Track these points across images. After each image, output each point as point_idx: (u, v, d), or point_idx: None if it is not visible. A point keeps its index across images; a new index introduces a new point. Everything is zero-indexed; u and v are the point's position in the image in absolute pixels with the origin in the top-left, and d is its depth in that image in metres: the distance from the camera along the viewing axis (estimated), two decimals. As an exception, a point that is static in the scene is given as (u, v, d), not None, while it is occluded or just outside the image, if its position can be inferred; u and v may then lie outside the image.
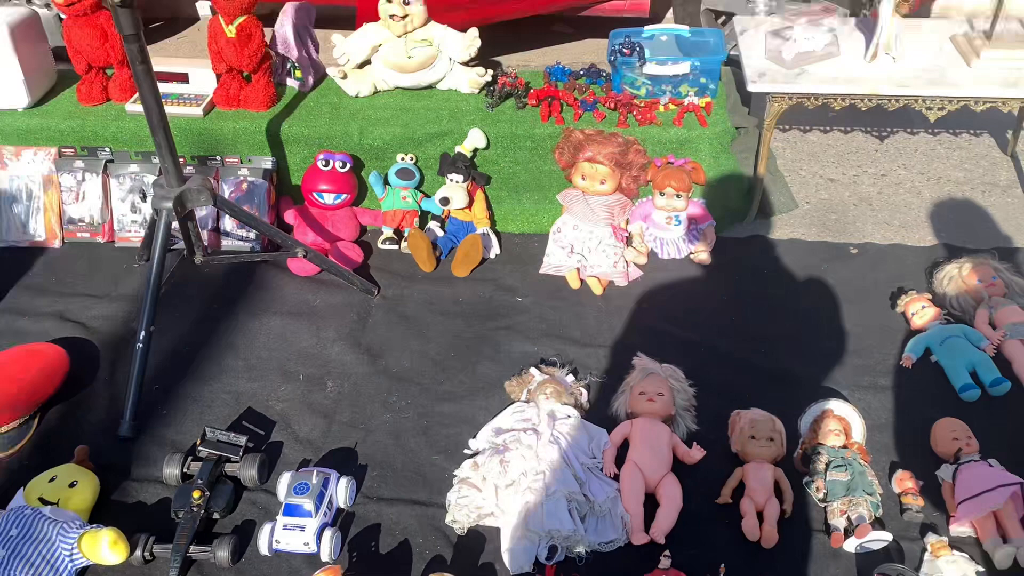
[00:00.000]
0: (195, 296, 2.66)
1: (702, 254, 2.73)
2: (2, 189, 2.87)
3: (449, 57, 2.91)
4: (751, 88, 2.63)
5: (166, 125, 2.18)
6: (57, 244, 2.89)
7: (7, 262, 2.82)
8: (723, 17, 3.85)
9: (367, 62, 2.96)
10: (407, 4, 2.76)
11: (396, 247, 2.85)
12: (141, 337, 2.23)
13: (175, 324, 2.55)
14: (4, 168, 2.88)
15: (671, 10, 4.38)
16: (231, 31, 2.75)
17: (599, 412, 2.26)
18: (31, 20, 2.91)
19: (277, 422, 2.27)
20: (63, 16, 2.84)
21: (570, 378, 2.30)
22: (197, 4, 4.68)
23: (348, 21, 4.09)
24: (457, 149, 2.81)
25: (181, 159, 2.80)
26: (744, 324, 2.53)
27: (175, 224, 2.30)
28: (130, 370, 2.23)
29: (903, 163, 3.27)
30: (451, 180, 2.79)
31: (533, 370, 2.30)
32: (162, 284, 2.31)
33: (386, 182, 2.88)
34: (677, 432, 2.14)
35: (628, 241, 2.77)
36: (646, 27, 3.01)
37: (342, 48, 2.89)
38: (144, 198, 2.83)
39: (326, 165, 2.78)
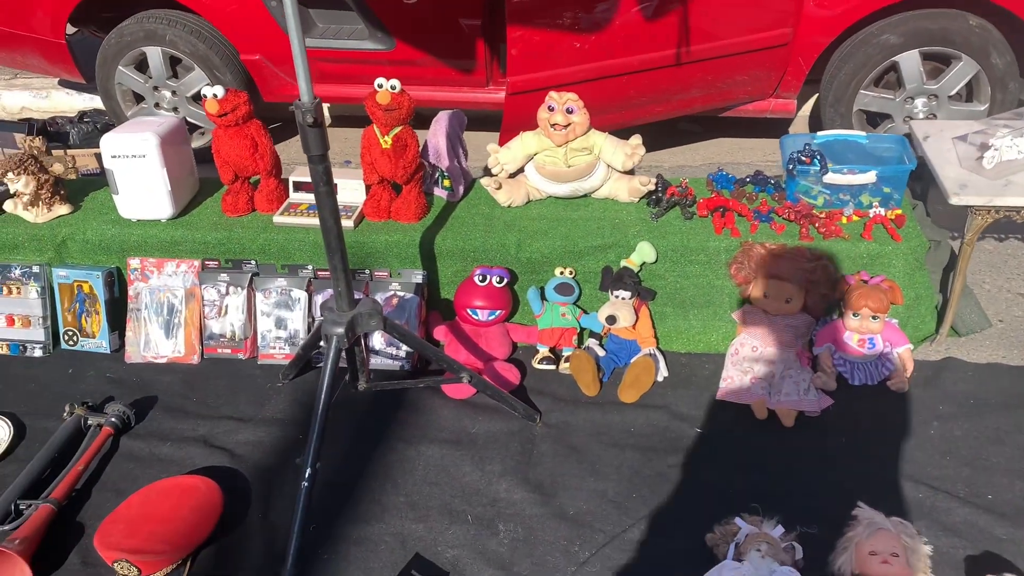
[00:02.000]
0: (344, 421, 2.47)
1: (901, 382, 2.47)
2: (143, 303, 2.76)
3: (608, 165, 2.75)
4: (954, 202, 2.40)
5: (343, 247, 2.04)
6: (195, 360, 2.75)
7: (146, 381, 2.69)
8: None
9: (519, 170, 2.82)
10: (570, 113, 2.62)
11: (553, 367, 2.65)
12: (307, 475, 2.03)
13: (327, 453, 2.34)
14: (145, 281, 2.78)
15: (804, 109, 4.21)
16: (387, 142, 2.63)
17: (814, 572, 1.97)
18: (178, 128, 2.84)
19: (450, 573, 2.04)
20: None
21: (779, 530, 2.03)
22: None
23: (482, 123, 4.04)
24: (623, 263, 2.62)
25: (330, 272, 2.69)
26: (963, 463, 2.24)
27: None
28: (293, 513, 2.02)
29: (1097, 275, 2.98)
30: (616, 296, 2.59)
31: (738, 521, 2.03)
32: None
33: (542, 297, 2.69)
34: (919, 601, 1.85)
35: (813, 365, 2.53)
36: (818, 132, 2.82)
37: (497, 158, 2.76)
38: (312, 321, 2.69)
39: (483, 280, 2.61)
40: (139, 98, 4.07)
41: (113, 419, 2.46)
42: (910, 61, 3.38)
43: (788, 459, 2.30)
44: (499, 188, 2.76)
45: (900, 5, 3.31)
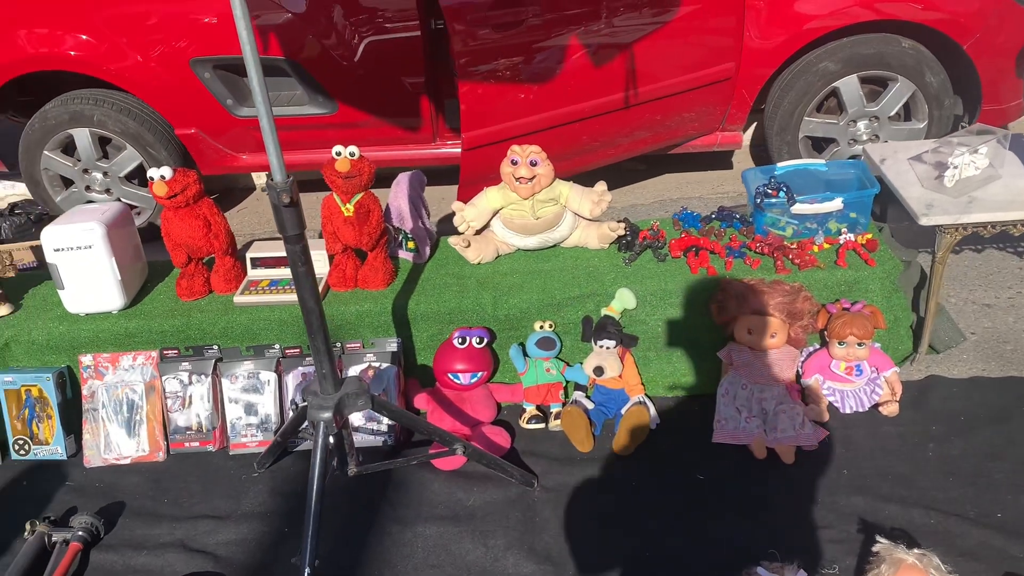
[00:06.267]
0: (331, 508, 2.32)
1: (892, 406, 2.46)
2: (100, 401, 2.59)
3: (576, 213, 2.71)
4: (923, 222, 2.43)
5: (326, 328, 1.93)
6: (161, 457, 2.58)
7: (110, 485, 2.50)
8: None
9: (485, 226, 2.76)
10: (534, 165, 2.58)
11: (542, 425, 2.57)
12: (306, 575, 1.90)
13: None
14: (100, 379, 2.61)
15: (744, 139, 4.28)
16: (349, 209, 2.54)
17: (843, 613, 1.93)
18: (123, 214, 2.70)
19: (469, 662, 1.92)
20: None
21: (802, 574, 1.97)
22: (252, 175, 4.53)
23: (435, 177, 3.97)
24: (603, 311, 2.57)
25: (297, 349, 2.58)
26: (966, 483, 2.23)
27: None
28: (296, 618, 1.89)
29: (1055, 279, 3.06)
30: (601, 346, 2.53)
31: (761, 570, 1.97)
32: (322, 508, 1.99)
33: (524, 354, 2.62)
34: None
35: (803, 397, 2.51)
36: (779, 163, 2.84)
37: (463, 216, 2.69)
38: (295, 407, 2.54)
39: (462, 343, 2.52)
40: (68, 182, 3.89)
41: (80, 532, 2.27)
42: (849, 86, 3.46)
43: (794, 498, 2.25)
44: (468, 246, 2.69)
45: (835, 33, 3.39)
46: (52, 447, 2.61)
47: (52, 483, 2.54)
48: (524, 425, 2.57)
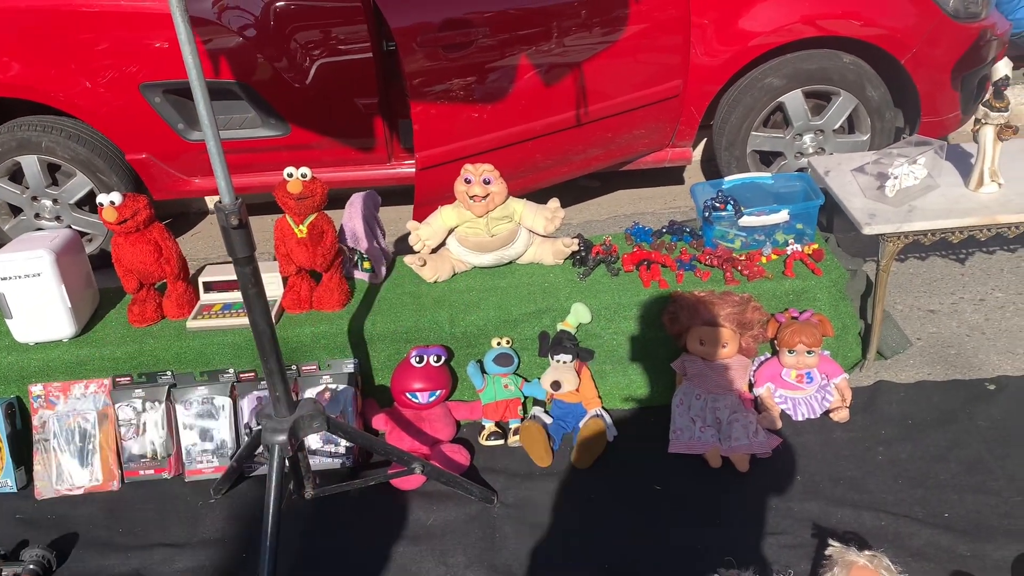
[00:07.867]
0: (290, 532, 2.32)
1: (843, 411, 2.52)
2: (51, 431, 2.54)
3: (530, 230, 2.74)
4: (866, 231, 2.50)
5: (278, 349, 1.93)
6: (115, 486, 2.54)
7: (63, 516, 2.45)
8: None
9: (440, 244, 2.78)
10: (488, 184, 2.61)
11: (501, 442, 2.58)
12: (264, 602, 1.89)
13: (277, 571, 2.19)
14: (51, 408, 2.56)
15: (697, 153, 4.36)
16: (302, 231, 2.54)
17: (799, 616, 1.96)
18: (72, 240, 2.67)
19: None
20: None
21: (758, 580, 2.01)
22: (206, 199, 4.50)
23: (390, 196, 3.98)
24: (559, 326, 2.59)
25: (252, 374, 2.57)
26: (914, 484, 2.29)
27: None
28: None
29: (995, 285, 3.15)
30: (558, 361, 2.55)
31: (718, 578, 2.00)
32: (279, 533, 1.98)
33: (482, 370, 2.63)
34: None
35: (756, 405, 2.55)
36: (726, 178, 2.90)
37: (418, 234, 2.71)
38: (249, 432, 2.52)
39: (420, 361, 2.53)
40: (16, 210, 3.82)
41: (31, 566, 2.22)
42: (794, 100, 3.55)
43: (749, 505, 2.29)
44: (423, 265, 2.70)
45: (779, 49, 3.48)
46: (1, 480, 2.55)
47: (2, 517, 2.48)
48: (483, 442, 2.58)
